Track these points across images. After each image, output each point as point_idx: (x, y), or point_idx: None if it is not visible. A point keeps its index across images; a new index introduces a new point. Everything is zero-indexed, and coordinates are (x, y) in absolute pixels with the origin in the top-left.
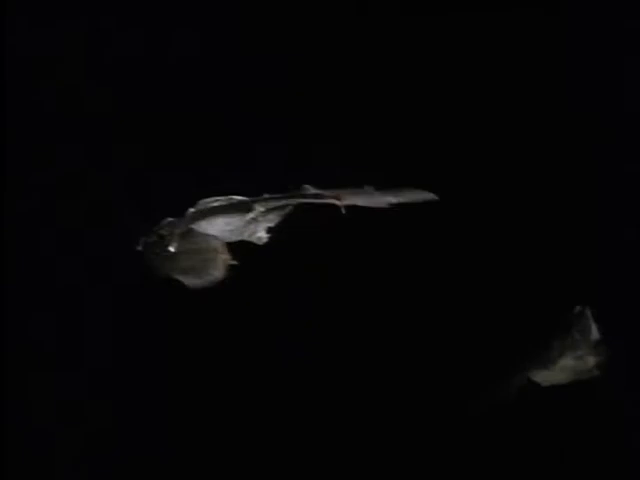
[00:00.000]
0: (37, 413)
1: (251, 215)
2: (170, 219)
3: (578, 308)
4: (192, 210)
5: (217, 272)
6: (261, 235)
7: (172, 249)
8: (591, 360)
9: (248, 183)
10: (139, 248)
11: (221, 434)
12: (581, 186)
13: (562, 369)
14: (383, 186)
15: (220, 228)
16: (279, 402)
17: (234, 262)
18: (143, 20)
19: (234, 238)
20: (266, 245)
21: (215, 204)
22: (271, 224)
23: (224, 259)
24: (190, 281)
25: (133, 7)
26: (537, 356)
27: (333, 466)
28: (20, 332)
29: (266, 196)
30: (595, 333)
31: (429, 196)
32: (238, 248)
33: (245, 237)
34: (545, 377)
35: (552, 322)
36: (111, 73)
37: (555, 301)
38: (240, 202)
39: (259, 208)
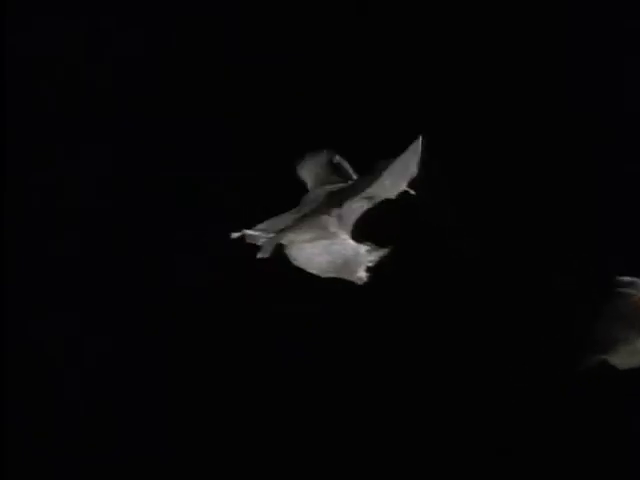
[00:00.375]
0: (37, 413)
1: (351, 253)
2: (252, 233)
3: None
4: (280, 227)
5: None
6: (361, 275)
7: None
8: None
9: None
10: (261, 255)
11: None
12: (581, 186)
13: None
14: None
15: (318, 265)
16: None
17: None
18: (143, 20)
19: (331, 274)
20: (365, 285)
21: (300, 220)
22: (371, 264)
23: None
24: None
25: (133, 7)
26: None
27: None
28: (20, 332)
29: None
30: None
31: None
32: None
33: (343, 275)
34: (623, 360)
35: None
36: (111, 73)
37: (556, 298)
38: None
39: (360, 249)
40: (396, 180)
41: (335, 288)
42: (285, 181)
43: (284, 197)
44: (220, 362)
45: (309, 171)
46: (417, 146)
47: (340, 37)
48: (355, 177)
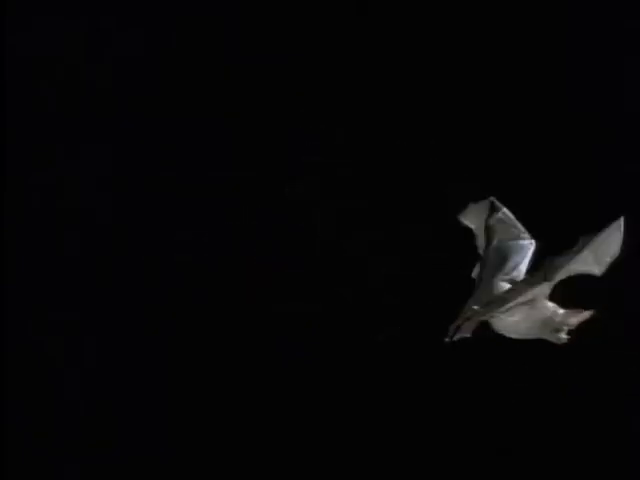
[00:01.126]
0: (37, 413)
1: (550, 315)
2: (475, 307)
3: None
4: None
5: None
6: (561, 336)
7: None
8: None
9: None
10: (447, 340)
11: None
12: (581, 186)
13: None
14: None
15: (518, 331)
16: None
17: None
18: (143, 20)
19: (532, 337)
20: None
21: (510, 295)
22: (572, 327)
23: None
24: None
25: (133, 7)
26: None
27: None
28: (20, 332)
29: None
30: None
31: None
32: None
33: (545, 336)
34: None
35: None
36: (111, 73)
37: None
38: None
39: (559, 310)
40: (599, 258)
41: (334, 289)
42: (284, 181)
43: (284, 197)
44: (220, 362)
45: (474, 218)
46: (619, 225)
47: (340, 37)
48: (519, 226)
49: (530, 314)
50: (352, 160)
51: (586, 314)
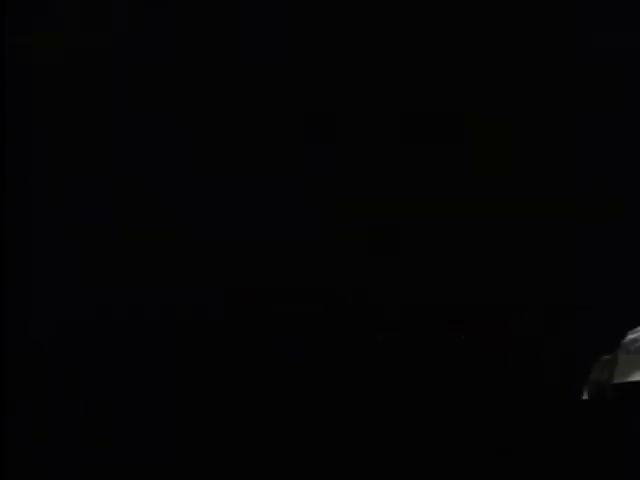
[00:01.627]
0: (37, 413)
1: None
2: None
3: None
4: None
5: None
6: None
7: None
8: None
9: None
10: (585, 397)
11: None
12: (581, 186)
13: None
14: None
15: None
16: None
17: None
18: (143, 20)
19: None
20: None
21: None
22: None
23: None
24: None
25: (134, 7)
26: None
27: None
28: (20, 332)
29: None
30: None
31: None
32: None
33: None
34: None
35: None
36: (111, 73)
37: (551, 307)
38: None
39: None
40: None
41: (334, 289)
42: (286, 181)
43: (284, 197)
44: (220, 362)
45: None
46: None
47: (340, 37)
48: None
49: None
50: (352, 160)
51: None
